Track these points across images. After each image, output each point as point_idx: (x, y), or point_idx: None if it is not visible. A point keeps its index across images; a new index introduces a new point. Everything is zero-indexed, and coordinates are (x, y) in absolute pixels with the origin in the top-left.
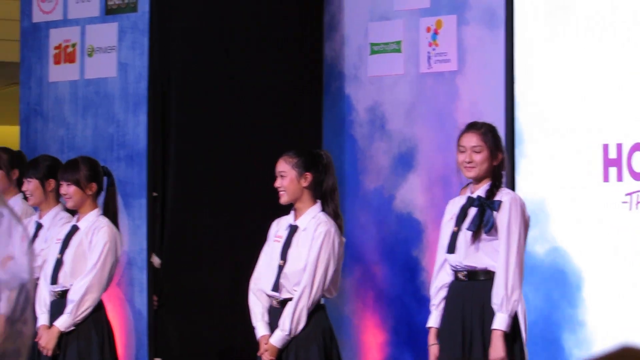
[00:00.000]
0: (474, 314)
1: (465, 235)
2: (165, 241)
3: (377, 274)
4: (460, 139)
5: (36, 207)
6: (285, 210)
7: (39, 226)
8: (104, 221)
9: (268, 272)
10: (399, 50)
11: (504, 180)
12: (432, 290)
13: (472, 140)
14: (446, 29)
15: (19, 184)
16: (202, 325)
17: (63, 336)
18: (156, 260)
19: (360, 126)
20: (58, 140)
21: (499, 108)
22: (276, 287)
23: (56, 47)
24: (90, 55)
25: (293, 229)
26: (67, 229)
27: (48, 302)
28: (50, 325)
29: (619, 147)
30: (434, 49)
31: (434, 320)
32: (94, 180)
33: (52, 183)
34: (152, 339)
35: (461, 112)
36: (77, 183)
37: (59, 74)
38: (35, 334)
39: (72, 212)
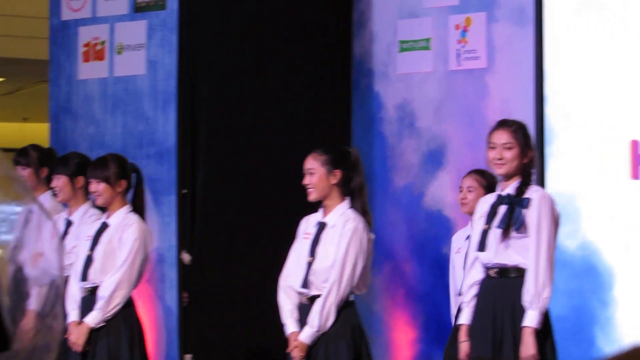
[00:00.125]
0: (504, 311)
1: (495, 233)
2: (195, 238)
3: (407, 271)
4: (490, 136)
5: (65, 204)
6: (314, 207)
7: (68, 223)
8: (134, 218)
9: (297, 269)
10: (427, 48)
11: (533, 177)
12: (464, 288)
13: (502, 137)
14: (475, 27)
15: (48, 182)
16: (232, 322)
17: (93, 332)
18: (186, 257)
19: (389, 123)
20: (87, 138)
21: (529, 105)
22: (305, 283)
23: (85, 45)
24: (119, 52)
25: (322, 226)
26: (97, 225)
27: (78, 299)
28: (81, 321)
29: None
30: (463, 47)
31: (465, 317)
32: (123, 177)
33: (81, 180)
34: (182, 336)
35: (490, 109)
36: (106, 180)
37: (88, 71)
38: (65, 329)
39: (101, 208)
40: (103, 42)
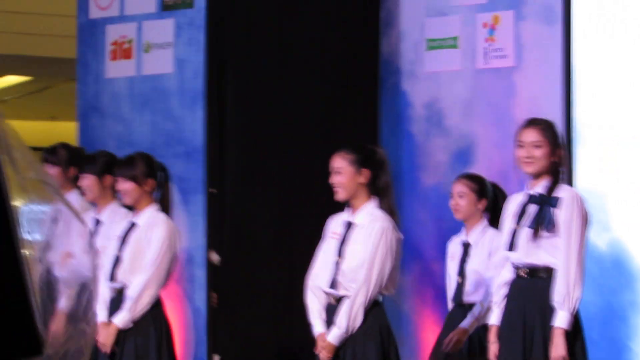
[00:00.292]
0: (535, 311)
1: (525, 232)
2: (224, 238)
3: (436, 271)
4: (519, 135)
5: (92, 203)
6: (341, 206)
7: (97, 222)
8: (162, 217)
9: (325, 269)
10: (455, 46)
11: (562, 176)
12: (494, 288)
13: (531, 135)
14: (503, 25)
15: (75, 181)
16: (260, 322)
17: (121, 333)
18: (215, 257)
19: (417, 122)
20: (115, 137)
21: (557, 104)
22: (333, 284)
23: (113, 43)
24: (146, 51)
25: (349, 226)
26: (125, 225)
27: (107, 299)
28: (109, 322)
29: None
30: (490, 45)
31: (495, 317)
32: (150, 176)
33: (109, 179)
34: (211, 336)
35: (518, 108)
36: (134, 179)
37: (116, 70)
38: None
39: (129, 207)
40: (131, 41)
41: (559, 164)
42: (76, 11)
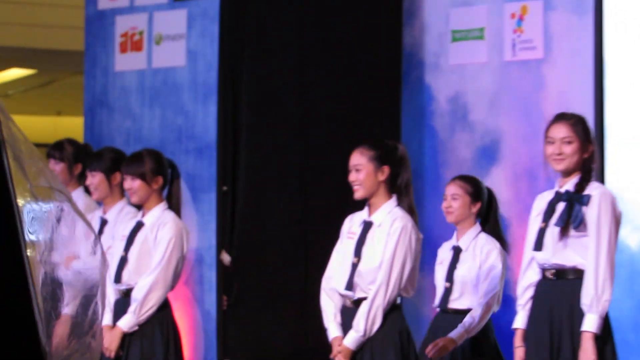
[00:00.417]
0: (562, 314)
1: (553, 231)
2: (235, 238)
3: None
4: (548, 130)
5: (99, 202)
6: (358, 205)
7: (103, 222)
8: (170, 216)
9: (341, 271)
10: (481, 37)
11: (593, 173)
12: (519, 290)
13: (561, 131)
14: (532, 15)
15: (81, 178)
16: (273, 326)
17: (126, 337)
18: (226, 258)
19: (441, 117)
20: (124, 132)
21: (588, 98)
22: (350, 285)
23: (122, 35)
24: (158, 43)
25: (367, 225)
26: (132, 225)
27: (112, 301)
28: (113, 325)
29: None
30: (518, 36)
31: (520, 321)
32: (159, 173)
33: (117, 176)
34: (221, 340)
35: (547, 102)
36: (142, 177)
37: (125, 63)
38: None
39: (137, 206)
40: (141, 32)
41: (589, 160)
42: (84, 1)
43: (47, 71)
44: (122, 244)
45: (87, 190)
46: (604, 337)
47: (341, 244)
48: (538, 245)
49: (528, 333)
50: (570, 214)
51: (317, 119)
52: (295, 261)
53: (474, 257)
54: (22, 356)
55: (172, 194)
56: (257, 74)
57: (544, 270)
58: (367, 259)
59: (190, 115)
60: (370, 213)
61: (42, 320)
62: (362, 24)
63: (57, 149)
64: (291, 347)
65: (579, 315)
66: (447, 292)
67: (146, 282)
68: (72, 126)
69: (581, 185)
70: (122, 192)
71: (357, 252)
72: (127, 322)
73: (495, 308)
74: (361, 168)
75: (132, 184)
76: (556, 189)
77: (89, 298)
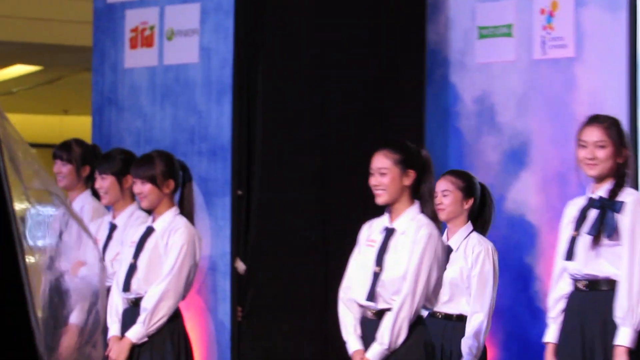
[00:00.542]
0: (595, 327)
1: (584, 240)
2: (250, 244)
3: None
4: (580, 133)
5: (107, 206)
6: (380, 211)
7: (112, 227)
8: (182, 222)
9: (361, 280)
10: (509, 35)
11: (628, 179)
12: (550, 302)
13: (594, 134)
14: (562, 11)
15: (88, 181)
16: (290, 338)
17: (135, 348)
18: (241, 266)
19: (466, 118)
20: (134, 132)
21: (621, 99)
22: (371, 296)
23: (132, 30)
24: (169, 39)
25: (390, 232)
26: (141, 230)
27: (120, 311)
28: (122, 335)
29: None
30: (548, 33)
31: (551, 334)
32: (170, 176)
33: (129, 180)
34: (235, 353)
35: (579, 103)
36: (152, 180)
37: (136, 59)
38: (105, 346)
39: (148, 211)
40: (152, 27)
41: (623, 165)
42: None
43: (53, 68)
44: (131, 250)
45: (95, 194)
46: (638, 352)
47: (359, 252)
48: (569, 255)
49: (559, 347)
50: (603, 221)
51: (337, 119)
52: (314, 269)
53: (465, 257)
54: None
55: (184, 198)
56: (273, 72)
57: (575, 281)
58: (390, 268)
59: (204, 114)
60: (391, 219)
61: (39, 330)
62: (385, 20)
63: (64, 150)
64: None
65: (612, 328)
66: None
67: (156, 291)
68: (79, 126)
69: (615, 192)
70: (133, 196)
71: (379, 261)
72: (136, 333)
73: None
74: (386, 172)
75: (142, 187)
76: (588, 195)
77: (91, 306)
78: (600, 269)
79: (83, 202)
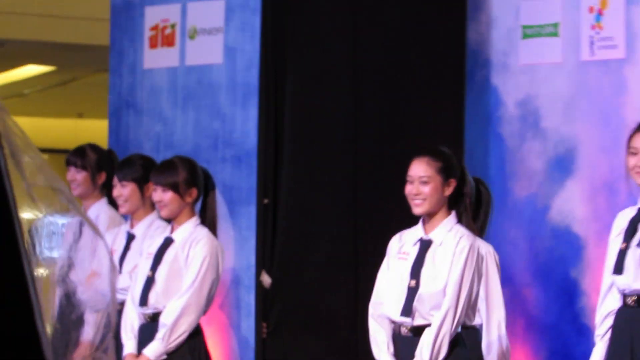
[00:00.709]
0: None
1: (635, 253)
2: (276, 256)
3: (529, 298)
4: (631, 140)
5: (124, 215)
6: (415, 221)
7: (130, 237)
8: (203, 232)
9: (394, 295)
10: (555, 34)
11: None
12: (597, 318)
13: None
14: (612, 9)
15: (104, 188)
16: (318, 356)
17: None
18: (266, 280)
19: (509, 123)
20: (153, 137)
21: None
22: (407, 311)
23: (152, 28)
24: (192, 37)
25: (426, 244)
26: (159, 241)
27: (136, 327)
28: (139, 353)
29: None
30: (597, 33)
31: (598, 353)
32: (194, 185)
33: (150, 187)
34: None
35: (630, 107)
36: (174, 188)
37: (156, 59)
38: None
39: (167, 220)
40: (173, 25)
41: None
42: None
43: (68, 68)
44: (148, 262)
45: (111, 202)
46: None
47: (389, 265)
48: (618, 269)
49: None
50: None
51: (370, 123)
52: (345, 283)
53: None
54: None
55: (206, 207)
56: (303, 73)
57: (624, 296)
58: (428, 281)
59: (228, 118)
60: (426, 230)
61: (49, 344)
62: (422, 18)
63: (78, 156)
64: None
65: None
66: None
67: (177, 306)
68: (94, 130)
69: None
70: (153, 205)
71: (415, 274)
72: (154, 350)
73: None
74: (429, 180)
75: (163, 195)
76: (639, 205)
77: (104, 317)
78: None
79: (98, 211)
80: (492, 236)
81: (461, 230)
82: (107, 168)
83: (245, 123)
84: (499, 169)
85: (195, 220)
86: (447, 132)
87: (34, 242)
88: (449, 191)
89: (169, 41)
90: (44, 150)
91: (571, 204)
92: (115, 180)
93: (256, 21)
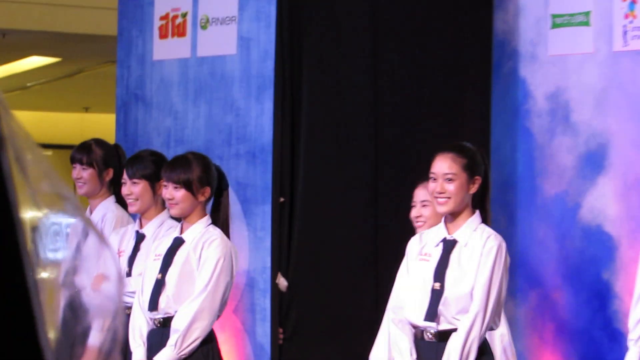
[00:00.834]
0: None
1: None
2: (293, 258)
3: (559, 302)
4: None
5: (132, 215)
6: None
7: (140, 237)
8: (216, 232)
9: (416, 299)
10: (587, 23)
11: None
12: (631, 322)
13: None
14: None
15: (111, 186)
16: None
17: None
18: (282, 283)
19: (538, 117)
20: (163, 132)
21: None
22: (431, 316)
23: (162, 18)
24: (204, 27)
25: (450, 245)
26: (168, 242)
27: (144, 333)
28: None
29: None
30: (631, 22)
31: (632, 359)
32: (207, 183)
33: (162, 184)
34: None
35: None
36: (188, 186)
37: (166, 50)
38: None
39: (177, 219)
40: (184, 15)
41: None
42: None
43: (73, 60)
44: (157, 264)
45: (119, 200)
46: None
47: (409, 267)
48: None
49: None
50: None
51: (391, 117)
52: (365, 286)
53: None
54: None
55: (219, 206)
56: (320, 64)
57: None
58: (453, 284)
59: (242, 112)
60: (449, 231)
61: (51, 351)
62: (447, 6)
63: (84, 153)
64: None
65: None
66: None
67: (189, 310)
68: (101, 125)
69: None
70: (163, 203)
71: (439, 277)
72: (166, 357)
73: None
74: (454, 178)
75: (175, 193)
76: None
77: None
78: None
79: (105, 209)
80: (520, 237)
81: (487, 229)
82: (114, 164)
83: (260, 117)
84: (527, 165)
85: (206, 220)
86: (473, 126)
87: (38, 247)
88: (474, 189)
89: (179, 31)
90: (48, 146)
91: (603, 202)
92: (125, 177)
93: (272, 10)
